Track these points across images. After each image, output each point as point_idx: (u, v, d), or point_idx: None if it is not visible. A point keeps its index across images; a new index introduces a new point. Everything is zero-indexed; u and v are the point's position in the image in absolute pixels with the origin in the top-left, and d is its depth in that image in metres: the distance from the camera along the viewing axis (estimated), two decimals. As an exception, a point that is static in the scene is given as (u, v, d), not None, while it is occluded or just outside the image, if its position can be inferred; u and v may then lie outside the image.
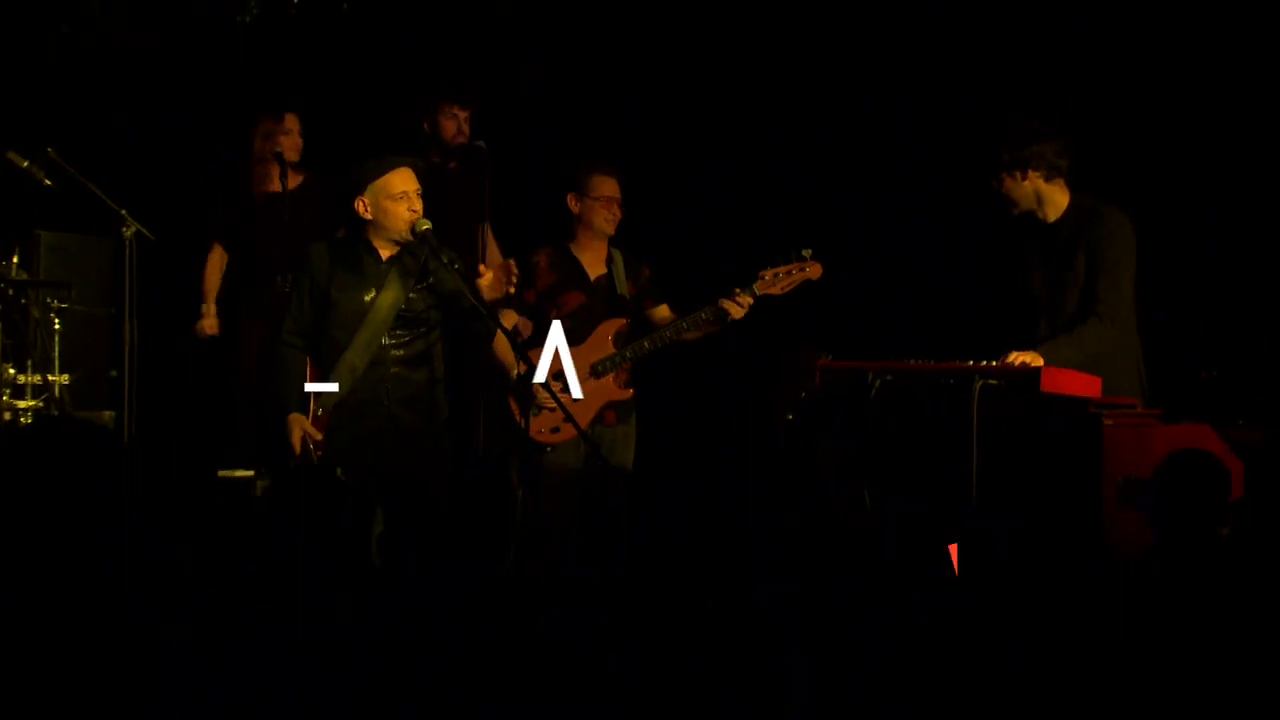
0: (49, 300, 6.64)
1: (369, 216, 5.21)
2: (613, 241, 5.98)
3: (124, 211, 6.41)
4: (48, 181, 6.45)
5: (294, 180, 6.56)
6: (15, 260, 6.59)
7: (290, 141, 6.66)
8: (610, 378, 5.80)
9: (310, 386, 5.19)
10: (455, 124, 6.50)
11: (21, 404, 6.45)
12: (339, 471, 5.20)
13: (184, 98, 7.65)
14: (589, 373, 5.75)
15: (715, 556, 6.53)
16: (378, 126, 6.91)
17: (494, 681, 4.40)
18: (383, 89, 7.27)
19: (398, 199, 5.18)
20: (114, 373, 6.75)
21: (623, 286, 5.94)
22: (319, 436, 5.16)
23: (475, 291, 5.18)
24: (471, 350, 5.84)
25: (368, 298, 5.22)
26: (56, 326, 6.61)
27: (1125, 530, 4.62)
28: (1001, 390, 4.85)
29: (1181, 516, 4.02)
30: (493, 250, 6.17)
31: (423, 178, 5.28)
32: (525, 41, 7.47)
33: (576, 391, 5.63)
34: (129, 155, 7.37)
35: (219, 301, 6.80)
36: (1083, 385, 4.88)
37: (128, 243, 6.39)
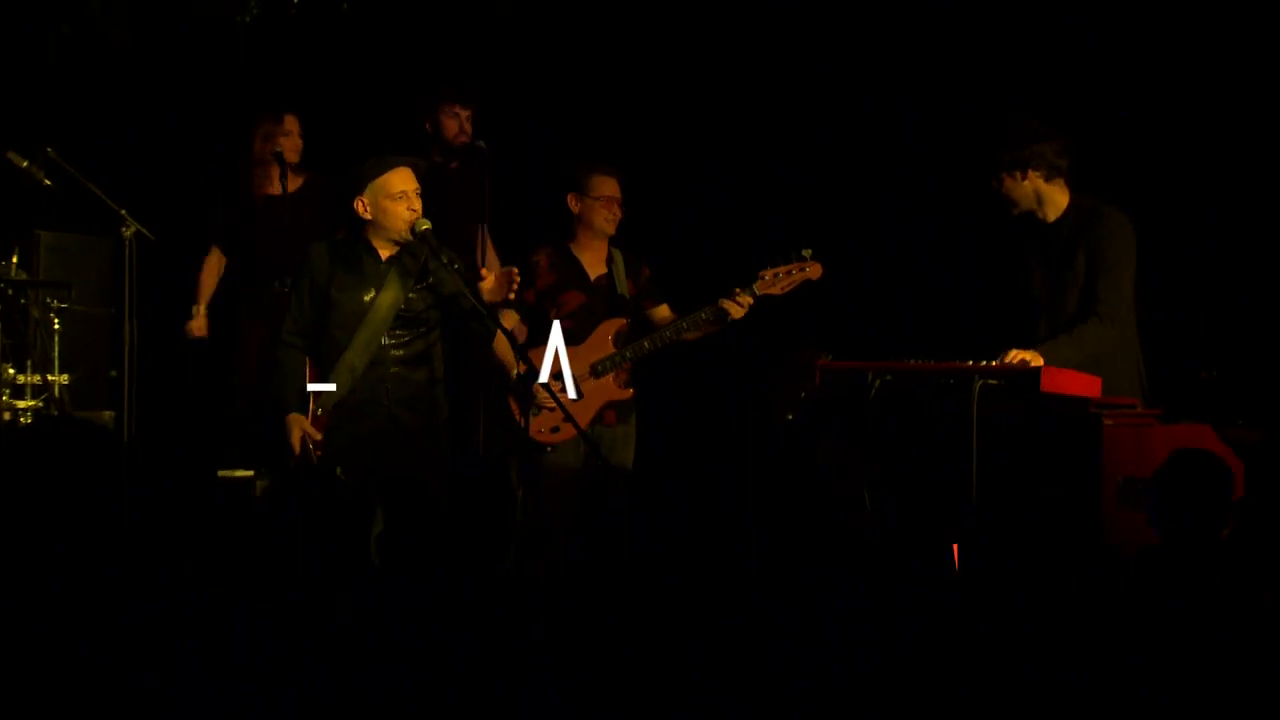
0: (49, 300, 6.63)
1: (368, 216, 5.21)
2: (613, 241, 5.98)
3: (124, 211, 6.41)
4: (47, 181, 6.45)
5: (294, 182, 6.56)
6: (15, 260, 6.58)
7: (290, 142, 6.65)
8: (610, 378, 5.80)
9: (310, 386, 5.19)
10: (457, 123, 6.50)
11: (21, 404, 6.45)
12: (339, 471, 5.20)
13: (184, 98, 7.64)
14: (589, 372, 5.75)
15: (715, 556, 6.52)
16: (378, 126, 6.91)
17: (494, 681, 4.39)
18: (383, 89, 7.27)
19: (397, 199, 5.18)
20: (114, 373, 6.75)
21: (623, 286, 5.94)
22: (318, 436, 5.16)
23: (475, 292, 5.18)
24: (471, 350, 5.84)
25: (367, 298, 5.22)
26: (56, 326, 6.61)
27: (1125, 530, 4.62)
28: (1001, 390, 4.85)
29: (1185, 516, 4.02)
30: (490, 255, 6.17)
31: (423, 177, 5.28)
32: (525, 41, 7.47)
33: (573, 393, 5.63)
34: (129, 155, 7.36)
35: (217, 304, 6.79)
36: (1082, 385, 4.88)
37: (127, 243, 6.39)
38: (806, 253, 5.72)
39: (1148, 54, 6.29)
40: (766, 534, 6.46)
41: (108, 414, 6.72)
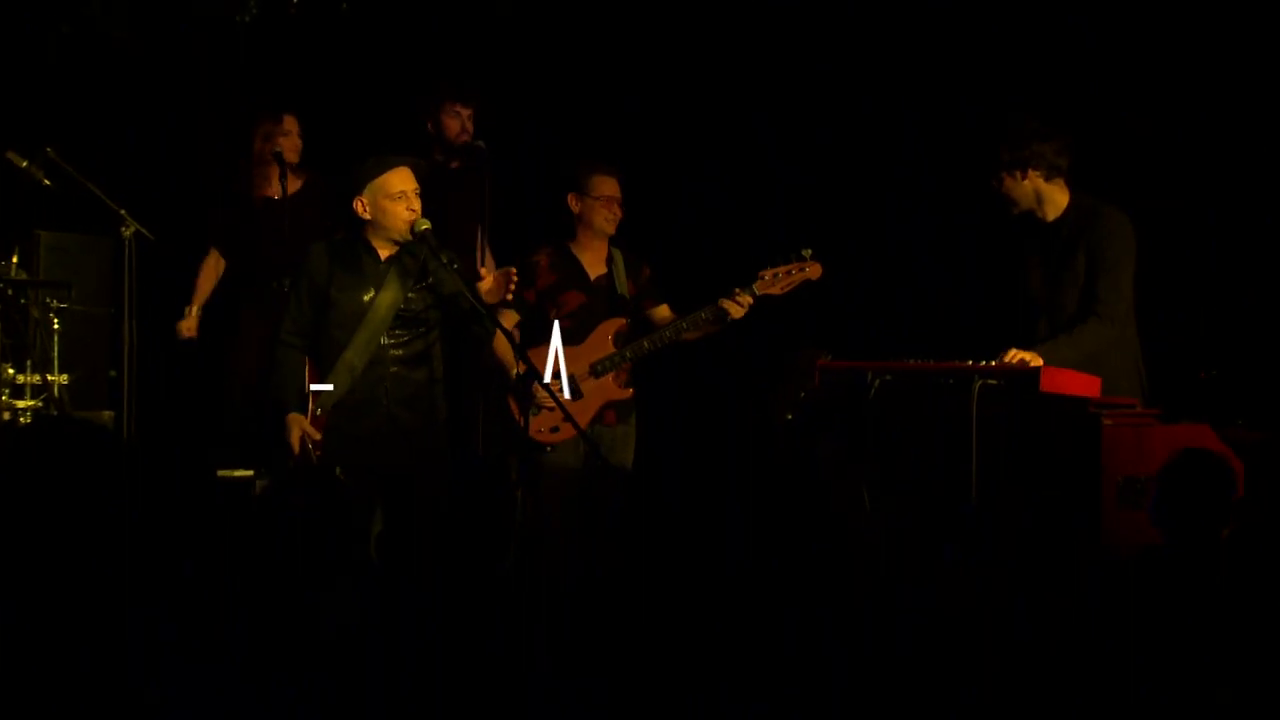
0: (48, 300, 6.63)
1: (368, 216, 5.21)
2: (613, 241, 5.98)
3: (123, 211, 6.40)
4: (47, 181, 6.44)
5: (294, 182, 6.56)
6: (15, 260, 6.58)
7: (290, 143, 6.65)
8: (610, 377, 5.80)
9: (310, 386, 5.19)
10: (459, 122, 6.50)
11: (21, 404, 6.45)
12: (338, 471, 5.19)
13: (184, 98, 7.64)
14: (589, 372, 5.75)
15: (715, 556, 6.52)
16: (378, 126, 6.91)
17: (494, 682, 4.40)
18: (383, 89, 7.27)
19: (396, 198, 5.18)
20: (113, 373, 6.74)
21: (623, 286, 5.94)
22: (318, 436, 5.16)
23: (475, 291, 5.18)
24: (471, 350, 5.84)
25: (367, 297, 5.22)
26: (56, 326, 6.60)
27: (1124, 530, 4.62)
28: (1001, 390, 4.85)
29: (1187, 516, 4.02)
30: (487, 259, 6.16)
31: (423, 177, 5.28)
32: (525, 41, 7.47)
33: (569, 393, 5.62)
34: (129, 155, 7.36)
35: (214, 305, 6.79)
36: (1082, 385, 4.88)
37: (127, 243, 6.38)
38: (806, 253, 5.72)
39: (1148, 54, 6.28)
40: (766, 534, 6.46)
41: (107, 414, 6.72)
